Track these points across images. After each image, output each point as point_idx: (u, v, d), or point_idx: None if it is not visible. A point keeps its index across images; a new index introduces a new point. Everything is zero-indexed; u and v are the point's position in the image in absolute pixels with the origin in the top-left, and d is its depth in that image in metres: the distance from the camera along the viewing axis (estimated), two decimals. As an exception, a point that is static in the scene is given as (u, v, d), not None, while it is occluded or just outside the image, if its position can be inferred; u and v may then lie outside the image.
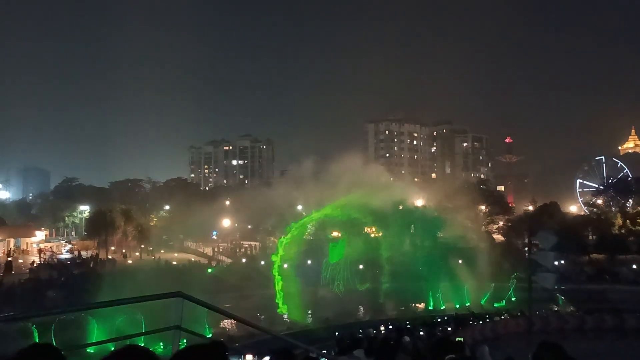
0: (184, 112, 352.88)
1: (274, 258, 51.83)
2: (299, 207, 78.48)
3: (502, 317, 39.94)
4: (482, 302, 53.89)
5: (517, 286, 53.09)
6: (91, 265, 65.05)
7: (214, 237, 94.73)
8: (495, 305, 52.09)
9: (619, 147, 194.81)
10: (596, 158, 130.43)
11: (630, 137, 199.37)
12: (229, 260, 78.07)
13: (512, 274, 55.35)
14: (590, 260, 71.20)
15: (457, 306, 52.00)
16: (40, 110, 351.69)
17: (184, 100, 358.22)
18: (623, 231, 79.31)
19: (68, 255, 74.17)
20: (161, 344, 23.24)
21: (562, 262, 58.41)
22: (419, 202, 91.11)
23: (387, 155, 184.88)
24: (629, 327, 38.94)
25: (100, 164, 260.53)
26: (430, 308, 52.50)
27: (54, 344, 3.39)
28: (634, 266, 66.31)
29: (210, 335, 31.73)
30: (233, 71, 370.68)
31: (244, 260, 77.51)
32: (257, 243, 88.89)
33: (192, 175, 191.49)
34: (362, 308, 51.83)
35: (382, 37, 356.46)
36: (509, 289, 54.89)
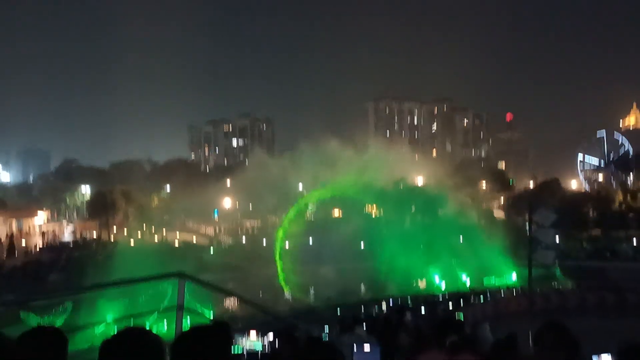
0: (182, 91, 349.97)
1: (276, 249, 52.18)
2: (300, 187, 78.62)
3: (503, 295, 40.23)
4: (485, 280, 54.19)
5: (514, 262, 53.45)
6: (93, 247, 65.39)
7: (215, 217, 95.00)
8: (496, 283, 52.38)
9: (620, 123, 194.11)
10: (597, 134, 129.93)
11: (631, 111, 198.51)
12: (230, 240, 78.44)
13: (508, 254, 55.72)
14: (590, 236, 71.48)
15: (458, 284, 52.31)
16: (38, 91, 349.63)
17: (182, 79, 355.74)
18: (623, 207, 79.51)
19: (70, 237, 74.58)
20: (165, 322, 23.45)
21: (562, 238, 58.52)
22: (420, 180, 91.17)
23: (388, 133, 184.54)
24: (629, 304, 39.23)
25: (100, 144, 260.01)
26: (431, 286, 52.79)
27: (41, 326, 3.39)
28: (634, 242, 66.55)
29: (212, 315, 32.01)
30: (231, 49, 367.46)
31: (245, 240, 77.90)
32: (258, 222, 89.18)
33: (192, 155, 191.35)
34: (363, 287, 52.17)
35: (382, 14, 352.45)
36: (509, 266, 55.17)
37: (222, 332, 2.92)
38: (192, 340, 2.78)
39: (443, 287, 51.80)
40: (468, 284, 51.13)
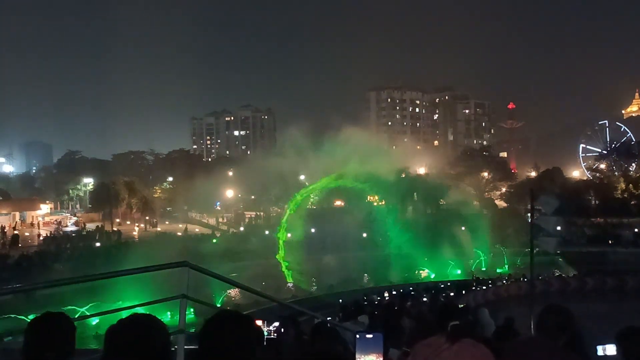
0: (184, 83, 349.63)
1: (279, 239, 52.10)
2: (302, 177, 78.62)
3: (505, 282, 40.37)
4: (483, 267, 54.36)
5: (517, 250, 53.56)
6: (97, 237, 65.62)
7: (218, 207, 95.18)
8: (498, 270, 52.56)
9: (623, 111, 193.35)
10: (599, 122, 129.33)
11: (634, 100, 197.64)
12: (233, 230, 78.59)
13: (510, 242, 55.87)
14: (592, 223, 71.50)
15: (460, 272, 52.48)
16: (40, 83, 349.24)
17: (184, 71, 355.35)
18: (625, 195, 79.42)
19: (74, 228, 74.82)
20: (168, 313, 23.62)
21: (564, 225, 58.58)
22: (422, 170, 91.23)
23: (390, 123, 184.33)
24: (629, 288, 39.45)
25: (102, 136, 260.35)
26: (433, 274, 52.97)
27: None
28: (636, 229, 66.54)
29: (220, 304, 32.19)
30: (233, 41, 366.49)
31: (248, 230, 78.01)
32: (261, 213, 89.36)
33: (195, 146, 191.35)
34: (366, 275, 52.34)
35: (384, 4, 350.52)
36: (511, 254, 55.33)
37: (250, 319, 2.92)
38: (229, 324, 2.78)
39: (445, 274, 51.97)
40: (471, 271, 51.28)
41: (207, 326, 2.81)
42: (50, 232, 69.19)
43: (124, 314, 3.02)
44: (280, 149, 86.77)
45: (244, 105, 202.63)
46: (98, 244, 60.94)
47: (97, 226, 73.02)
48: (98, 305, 29.98)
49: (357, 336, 4.46)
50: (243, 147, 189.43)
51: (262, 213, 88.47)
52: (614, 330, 4.81)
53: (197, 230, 78.64)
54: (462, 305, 15.50)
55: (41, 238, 63.60)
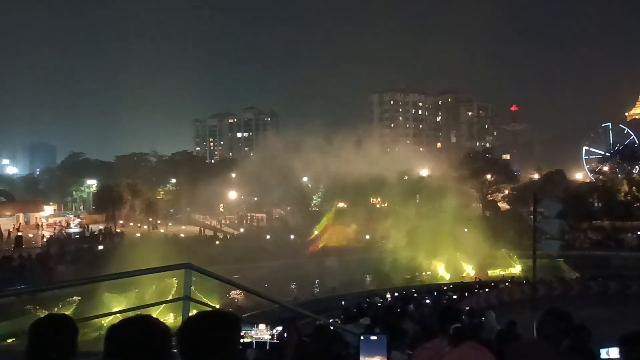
0: (187, 85, 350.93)
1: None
2: (305, 179, 78.71)
3: (507, 285, 40.25)
4: (489, 271, 54.25)
5: (520, 254, 53.39)
6: (100, 239, 65.69)
7: (221, 209, 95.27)
8: (501, 273, 52.40)
9: (626, 114, 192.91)
10: (602, 125, 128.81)
11: (637, 102, 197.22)
12: (235, 232, 78.64)
13: (513, 244, 55.70)
14: (595, 227, 71.24)
15: (463, 275, 52.37)
16: (44, 85, 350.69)
17: (187, 73, 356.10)
18: (629, 198, 79.06)
19: (77, 230, 74.90)
20: (171, 315, 23.66)
21: (567, 229, 58.39)
22: (424, 172, 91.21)
23: (392, 125, 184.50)
24: (632, 293, 39.26)
25: (106, 138, 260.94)
26: (435, 276, 52.89)
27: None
28: (639, 232, 66.26)
29: (218, 306, 32.15)
30: (236, 43, 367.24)
31: (250, 231, 78.08)
32: (263, 215, 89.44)
33: (198, 148, 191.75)
34: (368, 277, 52.31)
35: (387, 7, 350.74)
36: (513, 257, 55.22)
37: (231, 319, 2.83)
38: (201, 325, 2.72)
39: (447, 277, 51.88)
40: (473, 274, 51.18)
41: (183, 328, 2.78)
42: (54, 233, 69.33)
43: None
44: (282, 151, 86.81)
45: (247, 107, 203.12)
46: (101, 246, 60.99)
47: (100, 228, 73.13)
48: None
49: (362, 338, 4.48)
50: (246, 149, 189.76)
51: (263, 215, 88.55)
52: (618, 333, 4.82)
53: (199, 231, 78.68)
54: (467, 308, 15.49)
55: (45, 240, 63.70)
